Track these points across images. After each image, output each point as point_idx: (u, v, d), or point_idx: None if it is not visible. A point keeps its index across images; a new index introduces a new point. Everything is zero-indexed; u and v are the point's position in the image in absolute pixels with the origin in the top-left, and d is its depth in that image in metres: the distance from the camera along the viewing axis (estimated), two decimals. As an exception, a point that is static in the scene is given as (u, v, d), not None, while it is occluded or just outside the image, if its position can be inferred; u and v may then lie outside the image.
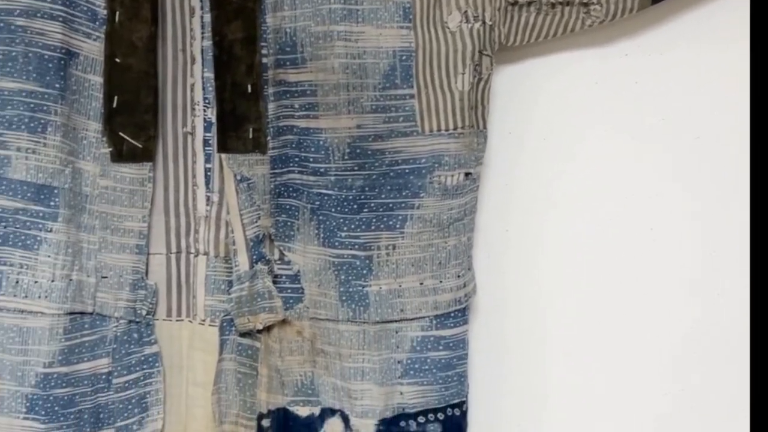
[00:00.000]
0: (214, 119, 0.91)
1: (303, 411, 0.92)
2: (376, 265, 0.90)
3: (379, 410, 0.90)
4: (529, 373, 0.98)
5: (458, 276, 0.91)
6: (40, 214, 0.87)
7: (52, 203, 0.88)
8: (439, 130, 0.89)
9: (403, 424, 0.90)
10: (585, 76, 0.97)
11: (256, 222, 0.90)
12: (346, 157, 0.89)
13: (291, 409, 0.92)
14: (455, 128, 0.89)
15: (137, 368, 0.92)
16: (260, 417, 0.92)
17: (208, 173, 0.93)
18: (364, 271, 0.90)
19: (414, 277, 0.90)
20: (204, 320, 0.94)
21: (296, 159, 0.90)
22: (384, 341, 0.90)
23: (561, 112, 0.97)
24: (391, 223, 0.89)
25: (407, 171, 0.89)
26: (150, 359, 0.93)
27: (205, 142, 0.93)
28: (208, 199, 0.93)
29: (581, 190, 0.97)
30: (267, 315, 0.91)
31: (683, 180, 0.97)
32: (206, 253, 0.94)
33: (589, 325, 0.98)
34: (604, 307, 0.98)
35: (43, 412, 0.87)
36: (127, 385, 0.92)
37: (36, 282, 0.88)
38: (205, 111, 0.92)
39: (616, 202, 0.97)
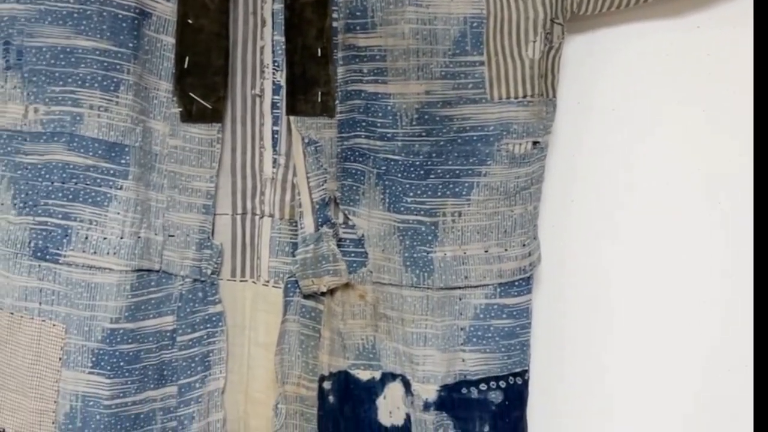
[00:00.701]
0: (282, 82, 0.91)
1: (364, 375, 0.93)
2: (441, 231, 0.90)
3: (440, 376, 0.90)
4: (590, 344, 0.98)
5: (523, 245, 0.91)
6: (111, 172, 0.88)
7: (122, 161, 0.88)
8: (508, 97, 0.89)
9: (464, 390, 0.90)
10: (656, 48, 0.96)
11: (323, 185, 0.91)
12: (413, 123, 0.89)
13: (352, 372, 0.93)
14: (524, 96, 0.89)
15: (201, 327, 0.93)
16: (322, 379, 0.92)
17: (276, 136, 0.93)
18: (429, 237, 0.90)
19: (479, 244, 0.90)
20: (268, 281, 0.95)
21: (363, 124, 0.90)
22: (447, 308, 0.90)
23: (631, 83, 0.96)
24: (457, 190, 0.89)
25: (475, 138, 0.89)
26: (214, 318, 0.94)
27: (273, 105, 0.93)
28: (274, 161, 0.94)
29: (649, 162, 0.96)
30: (331, 278, 0.91)
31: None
32: (271, 215, 0.95)
33: (652, 297, 0.98)
34: (667, 280, 0.97)
35: (108, 367, 0.88)
36: (191, 343, 0.93)
37: (105, 238, 0.89)
38: (274, 74, 0.92)
39: (685, 175, 0.96)
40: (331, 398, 0.93)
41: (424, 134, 0.89)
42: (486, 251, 0.90)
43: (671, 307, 0.98)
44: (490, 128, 0.89)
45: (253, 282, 0.96)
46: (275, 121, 0.93)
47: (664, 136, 0.96)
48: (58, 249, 0.88)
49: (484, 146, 0.89)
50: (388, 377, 0.92)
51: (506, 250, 0.90)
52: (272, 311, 0.95)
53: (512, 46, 0.88)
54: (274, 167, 0.94)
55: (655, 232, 0.97)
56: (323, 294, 0.92)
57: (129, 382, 0.89)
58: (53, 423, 0.89)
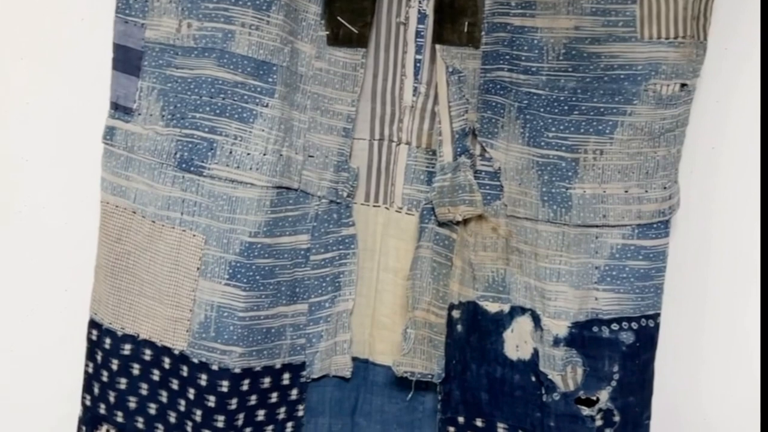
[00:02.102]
0: (428, 11, 0.91)
1: (492, 307, 0.93)
2: (582, 168, 0.89)
3: (572, 313, 0.90)
4: (725, 291, 0.97)
5: (664, 187, 0.90)
6: (258, 89, 0.89)
7: (270, 79, 0.89)
8: (659, 37, 0.87)
9: (595, 329, 0.90)
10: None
11: (463, 115, 0.91)
12: (560, 58, 0.88)
13: (480, 303, 0.93)
14: (675, 37, 0.87)
15: (334, 248, 0.95)
16: (451, 307, 0.93)
17: (418, 64, 0.93)
18: (569, 174, 0.89)
19: (619, 184, 0.89)
20: (401, 208, 0.96)
21: (507, 57, 0.89)
22: (583, 245, 0.90)
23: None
24: (600, 127, 0.88)
25: (622, 77, 0.87)
26: (347, 240, 0.95)
27: (417, 34, 0.93)
28: (415, 89, 0.94)
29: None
30: (466, 207, 0.91)
31: None
32: (408, 143, 0.95)
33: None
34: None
35: (244, 280, 0.90)
36: (323, 262, 0.94)
37: (248, 154, 0.90)
38: (420, 2, 0.92)
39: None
40: (459, 327, 0.93)
41: (570, 70, 0.88)
42: (626, 191, 0.89)
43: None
44: (638, 67, 0.87)
45: (386, 208, 0.96)
46: (418, 49, 0.93)
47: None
48: (202, 162, 0.90)
49: (631, 85, 0.87)
50: (517, 311, 0.92)
51: (646, 191, 0.89)
52: (403, 238, 0.96)
53: (666, -15, 0.87)
54: (414, 95, 0.94)
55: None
56: (457, 223, 0.92)
57: (263, 296, 0.91)
58: (187, 331, 0.91)
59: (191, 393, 0.91)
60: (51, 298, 1.03)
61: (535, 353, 0.91)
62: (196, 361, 0.91)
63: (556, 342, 0.90)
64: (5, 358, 1.05)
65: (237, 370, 0.90)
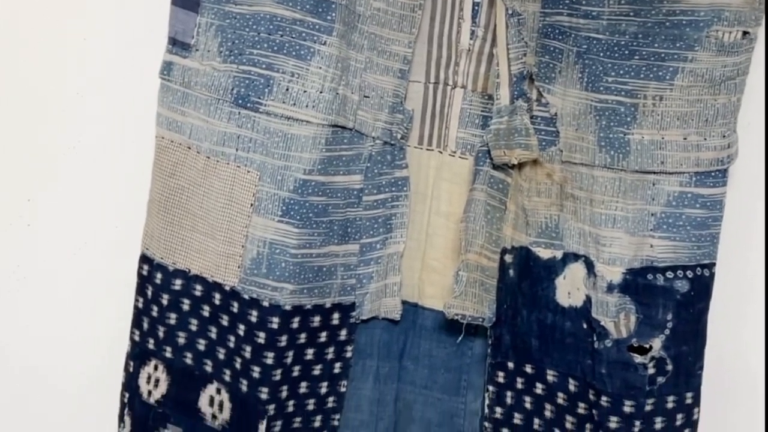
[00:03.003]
0: (487, -47, 0.91)
1: (545, 253, 0.92)
2: (641, 113, 0.88)
3: (627, 259, 0.89)
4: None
5: (723, 136, 0.89)
6: (317, 27, 0.89)
7: (328, 17, 0.89)
8: (722, -17, 0.86)
9: (650, 276, 0.89)
10: None
11: (522, 58, 0.90)
12: (621, 2, 0.87)
13: (533, 249, 0.93)
14: (739, -16, 0.86)
15: (386, 189, 0.94)
16: (504, 252, 0.93)
17: (476, 7, 0.93)
18: (628, 119, 0.88)
19: (678, 131, 0.88)
20: (454, 152, 0.95)
21: (567, 1, 0.88)
22: (640, 191, 0.89)
23: None
24: (660, 73, 0.87)
25: (684, 22, 0.86)
26: (399, 182, 0.95)
27: (476, -24, 0.93)
28: (472, 32, 0.93)
29: None
30: (522, 151, 0.91)
31: None
32: (464, 86, 0.95)
33: None
34: None
35: (297, 217, 0.90)
36: (376, 203, 0.94)
37: (305, 92, 0.90)
38: (479, -56, 0.92)
39: None
40: (511, 272, 0.93)
41: (631, 14, 0.87)
42: (685, 138, 0.88)
43: None
44: (700, 13, 0.86)
45: (439, 152, 0.96)
46: (476, -8, 0.93)
47: None
48: (259, 98, 0.90)
49: (693, 31, 0.86)
50: (570, 257, 0.92)
51: (705, 139, 0.88)
52: (456, 181, 0.95)
53: (731, -70, 0.85)
54: (471, 39, 0.93)
55: None
56: (512, 167, 0.92)
57: (315, 234, 0.91)
58: (239, 267, 0.91)
59: (241, 329, 0.91)
60: (101, 234, 1.04)
61: (588, 300, 0.90)
62: (246, 297, 0.91)
63: (610, 288, 0.89)
64: (54, 295, 1.05)
65: (288, 307, 0.90)
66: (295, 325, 0.91)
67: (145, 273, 0.96)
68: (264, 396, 0.91)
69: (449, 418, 0.97)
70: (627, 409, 0.88)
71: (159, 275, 0.95)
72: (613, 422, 0.88)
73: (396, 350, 0.98)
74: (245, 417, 0.92)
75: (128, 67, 1.00)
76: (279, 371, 0.91)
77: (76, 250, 1.04)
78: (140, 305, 0.96)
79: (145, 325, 0.96)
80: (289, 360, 0.92)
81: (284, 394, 0.92)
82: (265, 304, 0.90)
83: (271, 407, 0.91)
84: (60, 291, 1.05)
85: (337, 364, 0.95)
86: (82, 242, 1.04)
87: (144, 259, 0.96)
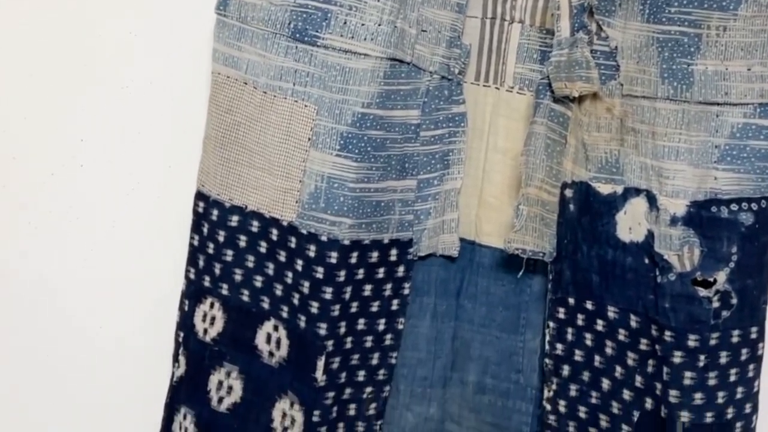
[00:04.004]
0: None
1: (605, 188, 0.91)
2: (704, 44, 0.87)
3: (691, 192, 0.88)
4: None
5: (788, 67, 0.87)
6: (378, -42, 0.88)
7: (385, -52, 0.88)
8: None
9: (714, 209, 0.87)
10: None
11: (582, -10, 0.89)
12: (684, -69, 0.86)
13: (593, 184, 0.91)
14: None
15: (444, 125, 0.93)
16: (564, 186, 0.91)
17: (534, -59, 0.92)
18: (692, 49, 0.87)
19: (742, 62, 0.87)
20: (512, 87, 0.94)
21: (627, -68, 0.87)
22: (703, 123, 0.87)
23: None
24: (724, 3, 0.86)
25: (749, -50, 0.85)
26: (456, 118, 0.94)
27: None
28: (530, -33, 0.93)
29: None
30: (583, 84, 0.89)
31: None
32: (521, 21, 0.94)
33: None
34: None
35: (356, 151, 0.89)
36: (433, 139, 0.93)
37: (363, 24, 0.89)
38: None
39: None
40: (571, 207, 0.92)
41: (694, -57, 0.86)
42: (749, 69, 0.87)
43: None
44: (765, -59, 0.85)
45: (496, 88, 0.95)
46: (535, -74, 0.92)
47: None
48: (316, 31, 0.89)
49: (758, -40, 0.85)
50: (631, 192, 0.90)
51: (770, 69, 0.87)
52: (514, 117, 0.94)
53: None
54: (529, -27, 0.93)
55: None
56: (572, 100, 0.90)
57: (374, 168, 0.90)
58: (296, 202, 0.91)
59: (299, 264, 0.91)
60: (155, 173, 1.04)
61: (650, 235, 0.89)
62: (304, 232, 0.90)
63: (674, 221, 0.88)
64: (108, 234, 1.05)
65: (346, 242, 0.90)
66: (353, 260, 0.91)
67: (201, 210, 0.95)
68: (322, 332, 0.91)
69: (508, 356, 0.97)
70: (691, 343, 0.87)
71: (215, 212, 0.94)
72: (677, 357, 0.87)
73: (453, 288, 0.97)
74: (303, 353, 0.92)
75: (183, 3, 1.00)
76: (337, 307, 0.91)
77: (129, 191, 1.04)
78: (196, 243, 0.96)
79: (201, 263, 0.96)
80: (347, 296, 0.91)
81: (342, 330, 0.92)
82: (323, 238, 0.90)
83: (330, 343, 0.91)
84: (113, 232, 1.05)
85: (395, 301, 0.94)
86: (136, 182, 1.04)
87: (200, 196, 0.95)
